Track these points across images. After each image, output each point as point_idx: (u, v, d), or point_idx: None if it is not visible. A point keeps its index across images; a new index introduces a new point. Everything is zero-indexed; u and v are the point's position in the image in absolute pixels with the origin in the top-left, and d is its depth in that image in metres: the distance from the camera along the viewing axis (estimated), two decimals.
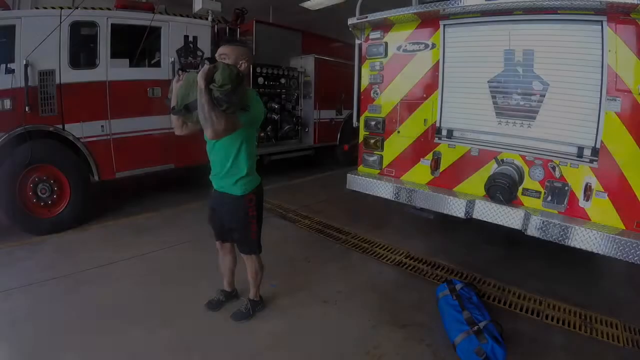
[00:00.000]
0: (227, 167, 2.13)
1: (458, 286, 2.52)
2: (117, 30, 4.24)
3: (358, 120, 3.44)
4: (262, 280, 2.49)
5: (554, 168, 2.44)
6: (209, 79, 1.78)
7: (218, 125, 1.80)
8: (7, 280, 2.82)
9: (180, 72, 2.00)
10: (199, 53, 4.93)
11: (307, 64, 6.96)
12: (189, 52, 4.83)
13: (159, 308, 2.53)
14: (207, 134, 1.84)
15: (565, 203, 2.41)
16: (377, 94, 3.30)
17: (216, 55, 2.05)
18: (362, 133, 3.44)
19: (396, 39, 3.10)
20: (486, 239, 3.85)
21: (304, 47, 7.30)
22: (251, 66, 2.16)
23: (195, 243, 3.58)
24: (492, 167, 2.71)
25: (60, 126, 3.92)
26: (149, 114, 4.56)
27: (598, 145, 2.27)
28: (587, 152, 2.32)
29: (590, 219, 2.34)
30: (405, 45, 3.06)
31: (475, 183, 2.79)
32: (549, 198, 2.47)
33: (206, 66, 1.78)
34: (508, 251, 3.61)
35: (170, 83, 2.07)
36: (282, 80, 6.64)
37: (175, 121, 2.11)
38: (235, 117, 1.90)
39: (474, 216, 2.67)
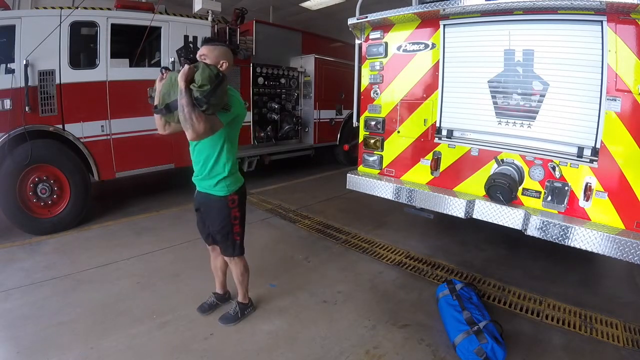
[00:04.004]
0: (209, 168, 2.12)
1: (458, 286, 2.52)
2: (117, 30, 4.24)
3: (358, 120, 3.44)
4: (249, 282, 2.47)
5: (554, 168, 2.44)
6: (189, 80, 1.77)
7: (198, 127, 1.79)
8: (8, 280, 2.82)
9: (163, 70, 1.96)
10: None
11: (307, 64, 6.96)
12: (189, 52, 4.82)
13: (159, 308, 2.53)
14: (188, 135, 1.83)
15: (565, 203, 2.41)
16: (377, 94, 3.30)
17: (197, 55, 2.04)
18: (362, 133, 3.44)
19: (396, 39, 3.10)
20: (486, 239, 3.85)
21: (304, 47, 7.30)
22: (232, 66, 2.09)
23: (195, 243, 3.58)
24: (492, 167, 2.71)
25: (60, 126, 3.92)
26: (149, 114, 4.51)
27: (598, 145, 2.27)
28: (587, 152, 2.32)
29: (590, 219, 2.34)
30: (405, 45, 3.06)
31: (475, 183, 2.79)
32: (549, 198, 2.47)
33: (186, 66, 1.76)
34: (508, 251, 3.62)
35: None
36: (282, 80, 6.65)
37: (157, 120, 2.06)
38: (215, 118, 1.90)
39: (474, 216, 2.67)
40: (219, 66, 1.99)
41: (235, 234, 2.23)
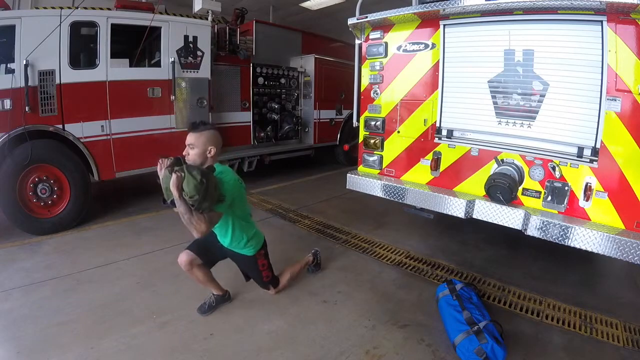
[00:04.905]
0: (229, 238, 2.35)
1: (458, 286, 2.52)
2: (117, 30, 4.24)
3: (358, 120, 3.44)
4: (301, 273, 2.89)
5: (554, 168, 2.44)
6: (180, 187, 1.89)
7: (200, 227, 1.98)
8: (8, 280, 2.83)
9: (160, 160, 2.05)
10: (199, 53, 4.93)
11: (307, 64, 6.96)
12: (189, 52, 4.83)
13: (159, 308, 2.53)
14: (194, 235, 2.01)
15: (565, 203, 2.41)
16: (377, 94, 3.30)
17: (186, 142, 2.14)
18: (362, 133, 3.44)
19: (396, 39, 3.10)
20: (486, 239, 3.85)
21: (304, 47, 7.30)
22: (220, 150, 2.25)
23: None
24: (492, 167, 2.71)
25: (60, 126, 3.92)
26: (149, 114, 4.57)
27: (598, 145, 2.27)
28: (587, 152, 2.32)
29: (590, 219, 2.34)
30: (405, 45, 3.06)
31: (475, 183, 2.79)
32: (549, 198, 2.47)
33: (174, 176, 1.87)
34: (508, 251, 3.62)
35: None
36: (282, 80, 6.65)
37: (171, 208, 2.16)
38: (213, 213, 2.06)
39: (474, 216, 2.67)
40: (207, 153, 2.13)
41: (264, 277, 2.55)
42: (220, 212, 2.11)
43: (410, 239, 3.88)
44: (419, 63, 3.01)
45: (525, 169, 2.57)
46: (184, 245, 3.43)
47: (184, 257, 2.37)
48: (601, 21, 2.18)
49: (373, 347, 2.21)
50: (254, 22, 6.53)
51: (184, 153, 2.15)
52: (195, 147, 2.11)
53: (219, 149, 2.21)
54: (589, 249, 2.17)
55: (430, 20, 2.88)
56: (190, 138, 2.13)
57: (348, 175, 3.38)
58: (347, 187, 3.38)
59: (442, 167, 2.97)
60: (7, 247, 3.47)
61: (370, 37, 3.24)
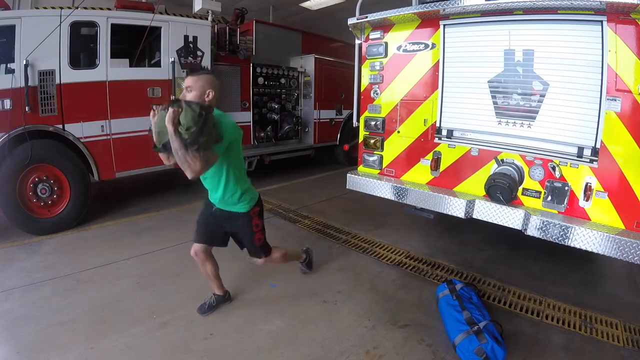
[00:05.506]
0: (222, 191, 2.21)
1: (458, 286, 2.52)
2: (117, 30, 4.24)
3: (358, 120, 3.44)
4: (290, 261, 2.82)
5: (554, 168, 2.44)
6: (176, 122, 1.80)
7: (194, 166, 1.85)
8: (8, 280, 2.83)
9: (154, 107, 1.98)
10: (199, 53, 4.93)
11: (307, 64, 6.96)
12: (189, 52, 4.83)
13: (159, 308, 2.53)
14: (187, 175, 1.88)
15: (565, 203, 2.41)
16: (377, 94, 3.30)
17: (184, 86, 2.08)
18: (362, 133, 3.44)
19: (396, 39, 3.10)
20: (486, 239, 3.85)
21: (304, 47, 7.30)
22: (220, 94, 2.13)
23: None
24: (492, 167, 2.71)
25: (60, 126, 3.92)
26: (149, 114, 4.56)
27: (598, 145, 2.27)
28: (587, 152, 2.32)
29: (590, 219, 2.34)
30: (405, 45, 3.06)
31: (475, 183, 2.79)
32: (549, 198, 2.47)
33: (170, 110, 1.79)
34: (508, 251, 3.62)
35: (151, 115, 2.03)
36: (282, 80, 6.65)
37: (160, 155, 2.09)
38: (210, 153, 1.94)
39: (474, 216, 2.67)
40: (205, 96, 2.04)
41: (257, 239, 2.39)
42: (216, 153, 2.01)
43: (410, 239, 3.88)
44: (419, 63, 3.01)
45: (525, 169, 2.57)
46: (184, 245, 3.44)
47: (197, 247, 2.36)
48: (601, 21, 2.18)
49: (373, 347, 2.21)
50: (254, 22, 6.53)
51: (180, 96, 2.05)
52: (192, 90, 2.02)
53: (217, 95, 2.10)
54: (589, 249, 2.17)
55: (430, 20, 2.88)
56: (189, 81, 2.05)
57: (348, 175, 3.38)
58: (347, 187, 3.38)
59: (442, 167, 2.97)
60: (7, 247, 3.47)
61: (370, 37, 3.24)
